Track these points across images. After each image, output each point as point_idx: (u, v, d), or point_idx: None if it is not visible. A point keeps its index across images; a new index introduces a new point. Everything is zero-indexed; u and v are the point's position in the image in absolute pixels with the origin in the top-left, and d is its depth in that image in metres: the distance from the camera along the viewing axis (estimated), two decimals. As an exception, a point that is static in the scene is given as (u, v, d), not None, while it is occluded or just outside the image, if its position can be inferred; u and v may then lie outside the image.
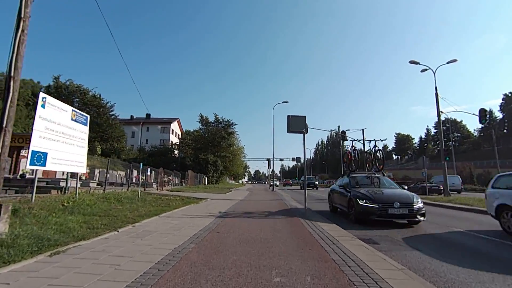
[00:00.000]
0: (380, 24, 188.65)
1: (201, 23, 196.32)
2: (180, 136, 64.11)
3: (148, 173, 18.95)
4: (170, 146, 44.07)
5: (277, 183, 41.05)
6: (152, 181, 23.54)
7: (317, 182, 40.28)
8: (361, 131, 33.51)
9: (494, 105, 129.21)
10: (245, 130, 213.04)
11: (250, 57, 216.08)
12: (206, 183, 34.77)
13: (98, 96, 37.33)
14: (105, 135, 35.97)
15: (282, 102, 27.96)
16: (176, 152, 45.89)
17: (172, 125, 61.43)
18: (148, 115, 66.35)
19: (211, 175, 37.90)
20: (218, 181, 41.32)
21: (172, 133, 61.40)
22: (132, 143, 52.98)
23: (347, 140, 33.72)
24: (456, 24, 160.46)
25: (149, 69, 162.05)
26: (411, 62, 19.25)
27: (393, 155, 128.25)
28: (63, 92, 35.42)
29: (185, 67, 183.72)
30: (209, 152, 39.51)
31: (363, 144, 35.27)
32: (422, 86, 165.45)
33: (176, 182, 31.06)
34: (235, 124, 43.50)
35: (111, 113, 38.14)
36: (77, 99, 37.05)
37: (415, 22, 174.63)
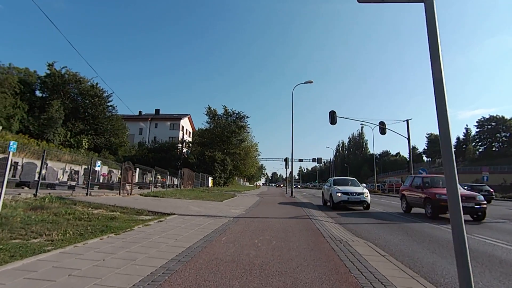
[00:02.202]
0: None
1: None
2: (191, 134, 59.62)
3: (114, 171, 13.74)
4: (175, 143, 39.06)
5: (298, 186, 34.78)
6: (136, 181, 18.41)
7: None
8: (405, 122, 26.62)
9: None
10: (263, 130, 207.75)
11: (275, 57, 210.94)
12: (211, 184, 29.31)
13: (95, 85, 33.27)
14: (100, 128, 31.69)
15: (305, 82, 21.92)
16: (183, 149, 41.08)
17: (182, 121, 57.05)
18: (157, 110, 62.69)
19: (217, 175, 32.46)
20: (226, 182, 35.81)
21: (182, 130, 57.07)
22: (140, 140, 49.19)
23: (385, 133, 27.02)
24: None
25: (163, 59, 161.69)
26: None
27: (424, 157, 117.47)
28: (57, 81, 31.60)
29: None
30: (217, 149, 34.10)
31: (408, 139, 28.27)
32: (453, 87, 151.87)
33: (176, 182, 25.92)
34: (247, 117, 37.83)
35: (108, 104, 33.92)
36: (74, 89, 33.18)
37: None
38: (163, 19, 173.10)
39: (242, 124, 37.38)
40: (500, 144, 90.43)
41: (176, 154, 34.34)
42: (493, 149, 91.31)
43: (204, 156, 32.46)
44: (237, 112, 37.86)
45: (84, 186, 12.92)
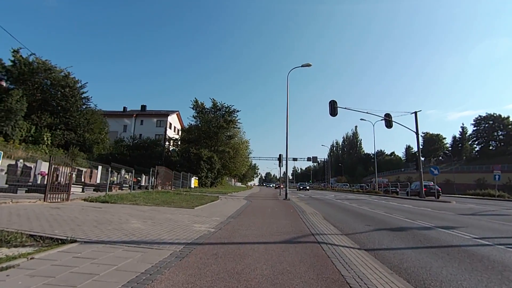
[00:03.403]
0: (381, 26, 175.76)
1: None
2: (180, 131, 56.01)
3: (84, 171, 10.40)
4: (156, 140, 35.45)
5: (307, 187, 32.17)
6: (97, 181, 15.03)
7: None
8: (413, 114, 23.73)
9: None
10: (257, 131, 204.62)
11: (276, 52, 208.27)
12: (195, 185, 25.95)
13: (68, 74, 29.53)
14: (71, 122, 27.98)
15: (302, 66, 18.81)
16: (169, 146, 37.59)
17: (169, 117, 53.42)
18: (143, 106, 58.92)
19: (204, 175, 29.13)
20: (214, 183, 32.49)
21: (170, 127, 53.46)
22: (124, 137, 45.46)
23: (391, 127, 24.16)
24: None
25: (152, 60, 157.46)
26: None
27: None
28: (23, 69, 27.75)
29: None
30: (203, 146, 30.75)
31: (416, 133, 25.35)
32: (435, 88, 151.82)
33: (156, 183, 22.54)
34: (237, 111, 34.48)
35: (82, 96, 30.20)
36: (45, 79, 29.29)
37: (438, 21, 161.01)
38: (158, 20, 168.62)
39: (231, 118, 34.05)
40: (497, 142, 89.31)
41: (157, 151, 30.86)
42: (490, 148, 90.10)
43: (188, 153, 29.11)
44: (226, 105, 34.54)
45: (7, 187, 9.54)
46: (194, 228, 5.72)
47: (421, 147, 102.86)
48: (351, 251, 4.52)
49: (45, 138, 22.16)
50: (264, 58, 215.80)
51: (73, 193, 11.20)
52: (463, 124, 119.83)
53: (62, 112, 28.18)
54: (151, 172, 17.70)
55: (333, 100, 22.50)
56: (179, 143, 38.95)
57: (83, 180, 13.80)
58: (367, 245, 5.22)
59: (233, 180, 69.10)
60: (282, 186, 48.05)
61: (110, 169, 14.42)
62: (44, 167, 11.17)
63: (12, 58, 28.34)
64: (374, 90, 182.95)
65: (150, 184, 17.93)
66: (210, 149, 31.65)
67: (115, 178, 15.44)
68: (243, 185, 74.11)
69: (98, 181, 14.93)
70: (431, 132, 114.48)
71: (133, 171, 15.76)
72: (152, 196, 12.58)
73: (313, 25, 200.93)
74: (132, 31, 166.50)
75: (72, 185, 11.27)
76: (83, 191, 11.85)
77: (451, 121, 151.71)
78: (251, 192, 28.39)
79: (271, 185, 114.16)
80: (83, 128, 29.16)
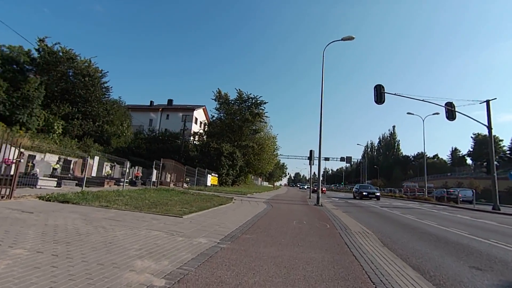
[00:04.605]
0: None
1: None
2: (206, 126, 54.32)
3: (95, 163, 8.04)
4: (176, 133, 33.38)
5: (323, 189, 27.56)
6: (93, 175, 12.75)
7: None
8: (485, 103, 18.53)
9: None
10: (287, 131, 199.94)
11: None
12: (212, 183, 23.09)
13: (89, 63, 28.59)
14: (89, 112, 26.86)
15: (343, 39, 14.97)
16: (193, 141, 35.49)
17: (195, 112, 51.86)
18: (170, 101, 58.31)
19: (224, 172, 26.33)
20: (236, 181, 29.57)
21: (196, 122, 51.90)
22: (143, 129, 44.50)
23: (455, 118, 19.23)
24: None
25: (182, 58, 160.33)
26: None
27: (468, 160, 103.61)
28: (47, 58, 27.23)
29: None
30: (225, 141, 27.96)
31: (489, 126, 19.57)
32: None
33: (168, 179, 20.22)
34: (265, 103, 31.04)
35: (103, 86, 29.11)
36: (69, 69, 28.65)
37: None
38: (191, 20, 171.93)
39: (258, 111, 30.75)
40: None
41: (176, 145, 28.73)
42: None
43: (208, 148, 26.53)
44: (252, 96, 31.30)
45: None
46: (122, 279, 2.56)
47: (470, 149, 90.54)
48: None
49: (56, 127, 20.78)
50: (295, 58, 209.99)
51: (41, 187, 8.78)
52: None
53: (81, 101, 27.18)
54: (154, 166, 15.16)
55: (379, 85, 18.30)
56: (204, 137, 36.72)
57: (72, 172, 11.60)
58: None
59: (259, 179, 66.13)
60: (324, 189, 40.16)
61: (105, 162, 12.02)
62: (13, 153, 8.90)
63: (37, 47, 28.09)
64: (415, 86, 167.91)
65: (153, 179, 15.39)
66: (233, 144, 28.81)
67: (110, 171, 13.16)
68: (270, 185, 70.74)
69: (94, 174, 12.62)
70: (483, 133, 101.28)
71: (128, 163, 13.20)
72: (145, 196, 9.83)
73: (349, 19, 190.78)
74: (173, 28, 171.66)
75: (44, 178, 8.87)
76: (59, 185, 9.47)
77: (503, 122, 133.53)
78: (276, 194, 24.99)
79: (305, 187, 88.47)
80: (102, 119, 27.99)
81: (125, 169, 12.79)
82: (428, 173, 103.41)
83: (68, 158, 12.63)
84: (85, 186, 9.29)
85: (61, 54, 27.98)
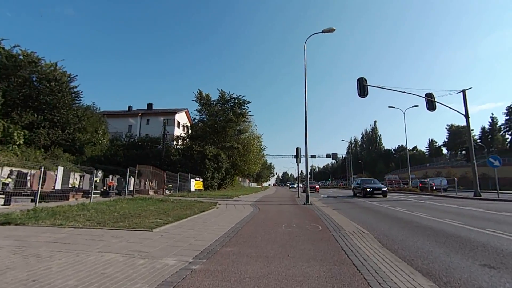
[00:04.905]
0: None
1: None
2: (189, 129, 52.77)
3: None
4: (156, 137, 31.92)
5: (300, 186, 26.36)
6: (56, 188, 11.46)
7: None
8: (461, 93, 18.72)
9: None
10: (272, 129, 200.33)
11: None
12: (195, 188, 21.97)
13: (55, 66, 26.55)
14: (57, 120, 24.87)
15: (323, 31, 14.45)
16: (176, 145, 34.02)
17: (177, 116, 50.21)
18: (149, 105, 56.32)
19: (209, 175, 25.30)
20: (223, 184, 28.58)
21: (178, 126, 50.24)
22: (121, 135, 42.31)
23: (435, 109, 19.30)
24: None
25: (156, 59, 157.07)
26: None
27: (443, 151, 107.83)
28: (4, 62, 24.71)
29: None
30: (209, 143, 26.92)
31: (466, 115, 19.45)
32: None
33: (147, 186, 18.97)
34: (248, 102, 30.29)
35: (72, 90, 27.15)
36: (32, 74, 26.33)
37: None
38: (167, 18, 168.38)
39: (241, 111, 29.90)
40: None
41: (156, 151, 27.35)
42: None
43: (191, 151, 25.39)
44: (235, 96, 30.43)
45: None
46: None
47: (446, 140, 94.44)
48: None
49: (16, 137, 18.93)
50: (275, 53, 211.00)
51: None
52: (492, 114, 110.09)
53: (48, 108, 25.11)
54: (128, 173, 13.92)
55: (362, 78, 18.05)
56: (187, 141, 35.36)
57: (29, 185, 10.29)
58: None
59: (247, 180, 65.26)
60: (317, 186, 36.90)
61: (74, 172, 10.77)
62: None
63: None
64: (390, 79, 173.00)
65: (130, 188, 14.13)
66: (217, 146, 27.79)
67: (77, 182, 11.89)
68: (258, 186, 70.00)
69: (58, 187, 11.33)
70: (456, 124, 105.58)
71: (99, 172, 11.94)
72: (116, 208, 8.77)
73: (326, 14, 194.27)
74: (144, 29, 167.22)
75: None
76: (7, 203, 8.22)
77: (470, 114, 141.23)
78: (264, 195, 24.26)
79: (295, 186, 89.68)
80: (73, 126, 26.08)
81: (95, 178, 11.55)
82: (410, 164, 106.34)
83: (23, 170, 11.22)
84: (44, 201, 8.09)
85: (21, 57, 25.71)
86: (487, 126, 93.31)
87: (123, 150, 27.10)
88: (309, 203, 13.30)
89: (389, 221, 8.47)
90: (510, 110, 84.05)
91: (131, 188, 16.94)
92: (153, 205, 10.23)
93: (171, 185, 21.40)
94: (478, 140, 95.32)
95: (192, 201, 12.98)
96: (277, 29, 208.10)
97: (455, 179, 24.09)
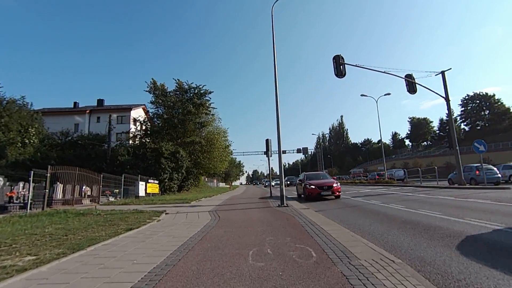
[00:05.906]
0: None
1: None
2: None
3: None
4: (101, 135, 27.08)
5: (273, 184, 23.63)
6: None
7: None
8: (441, 75, 17.28)
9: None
10: (239, 124, 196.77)
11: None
12: (148, 191, 18.02)
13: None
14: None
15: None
16: (133, 143, 29.24)
17: (133, 112, 44.71)
18: (100, 101, 49.99)
19: (166, 176, 21.49)
20: (184, 186, 24.87)
21: (135, 123, 44.90)
22: (55, 134, 35.73)
23: (415, 91, 17.64)
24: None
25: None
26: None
27: (406, 142, 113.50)
28: None
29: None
30: (166, 139, 23.04)
31: (446, 98, 17.28)
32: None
33: (89, 194, 14.79)
34: (210, 92, 26.81)
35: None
36: None
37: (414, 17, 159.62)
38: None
39: (201, 101, 26.27)
40: (484, 122, 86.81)
41: (101, 151, 22.76)
42: (478, 127, 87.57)
43: (144, 149, 21.33)
44: (194, 86, 26.71)
45: None
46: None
47: (408, 132, 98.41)
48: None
49: None
50: (239, 47, 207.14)
51: None
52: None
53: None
54: (47, 177, 9.90)
55: (338, 55, 15.67)
56: (142, 138, 30.79)
57: None
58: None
59: (214, 180, 61.36)
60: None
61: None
62: None
63: None
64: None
65: (45, 198, 10.14)
66: (175, 142, 24.01)
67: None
68: (226, 185, 66.41)
69: None
70: (417, 117, 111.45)
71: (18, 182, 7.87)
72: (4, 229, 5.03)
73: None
74: (96, 18, 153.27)
75: None
76: None
77: (424, 110, 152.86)
78: (230, 196, 21.08)
79: (272, 183, 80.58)
80: (-10, 124, 20.73)
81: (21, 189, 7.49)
82: (375, 157, 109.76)
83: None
84: None
85: None
86: (444, 118, 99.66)
87: (57, 151, 22.10)
88: (286, 204, 10.46)
89: (399, 227, 5.81)
90: (465, 101, 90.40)
91: (59, 197, 12.80)
92: (59, 224, 6.62)
93: (117, 191, 17.38)
94: (438, 131, 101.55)
95: (129, 212, 9.45)
96: (240, 21, 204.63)
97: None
